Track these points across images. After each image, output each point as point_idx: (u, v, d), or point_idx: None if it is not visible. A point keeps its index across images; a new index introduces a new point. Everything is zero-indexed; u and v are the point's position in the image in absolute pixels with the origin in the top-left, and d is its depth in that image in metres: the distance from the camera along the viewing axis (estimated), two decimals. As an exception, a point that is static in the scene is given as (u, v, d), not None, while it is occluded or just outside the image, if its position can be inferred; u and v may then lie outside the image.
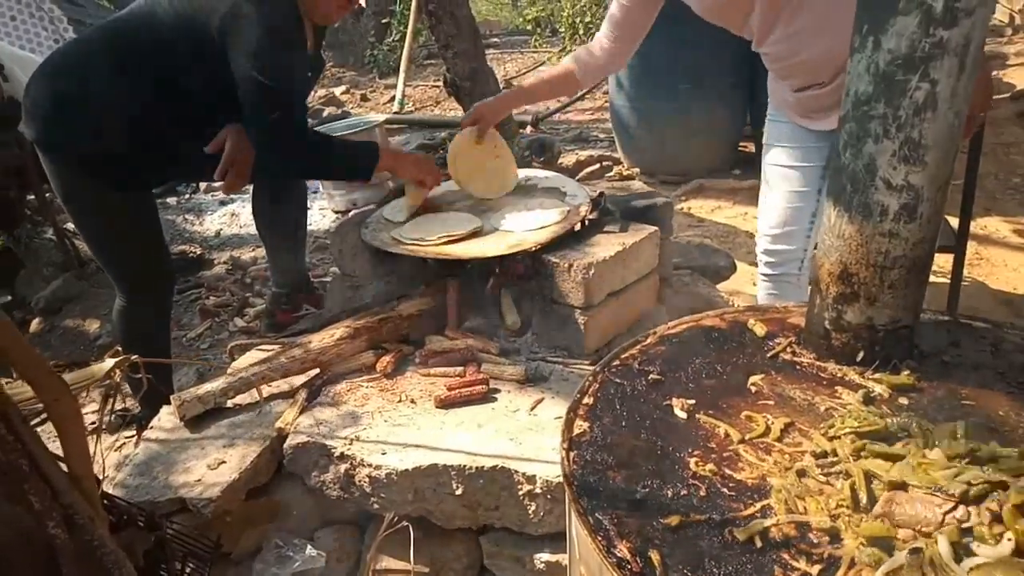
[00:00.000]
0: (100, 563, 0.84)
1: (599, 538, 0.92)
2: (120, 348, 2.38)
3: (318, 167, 2.28)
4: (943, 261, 2.82)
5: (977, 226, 3.62)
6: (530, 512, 1.61)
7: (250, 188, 2.71)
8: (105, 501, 1.00)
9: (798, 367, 1.27)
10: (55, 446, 0.89)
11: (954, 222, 2.75)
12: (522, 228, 2.07)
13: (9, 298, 2.98)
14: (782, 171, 2.05)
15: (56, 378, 0.80)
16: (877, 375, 1.20)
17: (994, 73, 6.01)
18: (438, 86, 7.38)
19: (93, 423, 2.33)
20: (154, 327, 2.36)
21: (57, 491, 0.77)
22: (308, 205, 2.84)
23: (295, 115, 2.06)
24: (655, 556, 0.88)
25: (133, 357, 1.09)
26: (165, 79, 2.05)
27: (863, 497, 0.94)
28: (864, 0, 1.08)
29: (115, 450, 2.46)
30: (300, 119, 2.10)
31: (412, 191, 2.28)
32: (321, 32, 2.35)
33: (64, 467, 0.85)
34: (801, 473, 1.01)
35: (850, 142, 1.14)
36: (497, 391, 1.86)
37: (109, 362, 1.08)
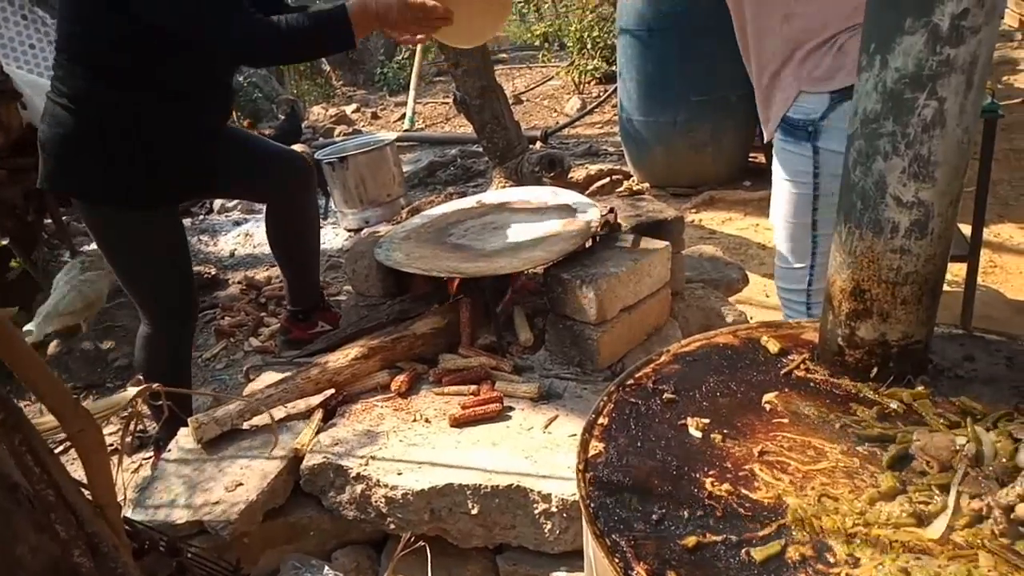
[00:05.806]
0: (124, 590, 0.85)
1: (616, 560, 0.92)
2: (142, 375, 2.39)
3: (295, 54, 2.26)
4: (956, 270, 2.81)
5: (990, 233, 3.60)
6: (546, 531, 1.61)
7: (262, 208, 2.72)
8: (127, 527, 1.01)
9: (812, 384, 1.26)
10: (75, 470, 0.91)
11: (967, 230, 2.73)
12: (530, 236, 2.05)
13: (33, 331, 3.01)
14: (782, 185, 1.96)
15: (81, 409, 0.82)
16: (891, 390, 1.20)
17: (1004, 78, 5.99)
18: (448, 103, 7.44)
19: (110, 445, 2.35)
20: (177, 355, 2.35)
21: (82, 520, 0.79)
22: (321, 224, 2.86)
23: (242, 20, 1.88)
24: (673, 578, 0.89)
25: (155, 386, 1.10)
26: (136, 75, 1.96)
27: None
28: (871, 20, 1.09)
29: (132, 472, 2.48)
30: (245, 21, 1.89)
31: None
32: None
33: (88, 495, 0.87)
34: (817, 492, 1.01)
35: (859, 160, 1.14)
36: (511, 409, 1.86)
37: (132, 391, 1.10)
